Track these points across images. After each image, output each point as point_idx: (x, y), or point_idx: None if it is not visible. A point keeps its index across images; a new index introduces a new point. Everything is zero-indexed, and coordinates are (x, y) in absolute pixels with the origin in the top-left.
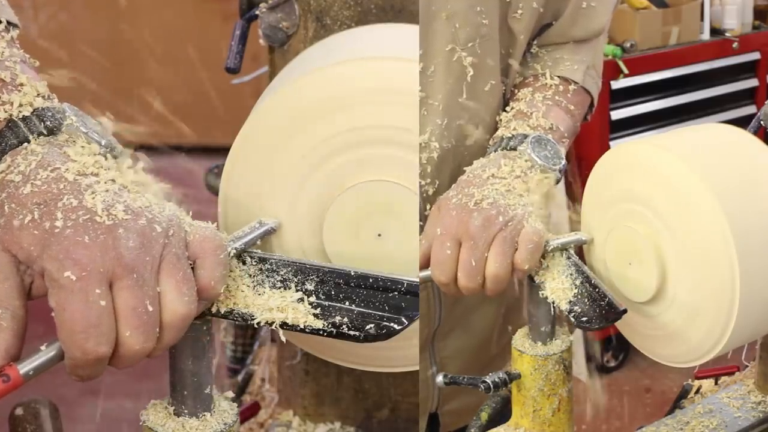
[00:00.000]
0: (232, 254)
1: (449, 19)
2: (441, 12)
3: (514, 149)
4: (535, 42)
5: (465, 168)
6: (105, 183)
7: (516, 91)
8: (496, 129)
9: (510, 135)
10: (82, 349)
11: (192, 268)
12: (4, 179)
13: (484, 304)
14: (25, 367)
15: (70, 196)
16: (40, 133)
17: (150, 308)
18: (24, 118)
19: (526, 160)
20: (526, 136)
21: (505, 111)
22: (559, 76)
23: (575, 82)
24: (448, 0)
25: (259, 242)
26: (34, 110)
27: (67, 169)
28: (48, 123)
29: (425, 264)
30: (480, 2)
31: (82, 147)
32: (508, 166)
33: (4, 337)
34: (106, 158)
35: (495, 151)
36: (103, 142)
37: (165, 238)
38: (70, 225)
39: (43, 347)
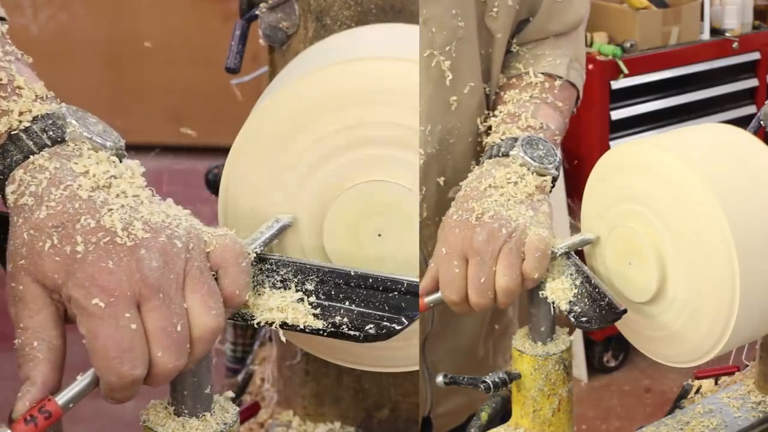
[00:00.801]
0: (252, 258)
1: (426, 24)
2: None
3: (507, 155)
4: (514, 41)
5: (461, 183)
6: (118, 196)
7: (502, 93)
8: (478, 130)
9: (500, 140)
10: (118, 374)
11: (215, 278)
12: (17, 202)
13: None
14: (63, 398)
15: (87, 216)
16: (44, 145)
17: (179, 326)
18: (26, 129)
19: (520, 164)
20: (516, 139)
21: (494, 116)
22: (542, 73)
23: (560, 77)
24: (423, 5)
25: (276, 241)
26: (34, 118)
27: (79, 186)
28: (51, 133)
29: (435, 288)
30: (455, 5)
31: (89, 157)
32: (502, 174)
33: (41, 369)
34: (114, 163)
35: (488, 158)
36: (107, 144)
37: (186, 253)
38: (92, 249)
39: (79, 377)
